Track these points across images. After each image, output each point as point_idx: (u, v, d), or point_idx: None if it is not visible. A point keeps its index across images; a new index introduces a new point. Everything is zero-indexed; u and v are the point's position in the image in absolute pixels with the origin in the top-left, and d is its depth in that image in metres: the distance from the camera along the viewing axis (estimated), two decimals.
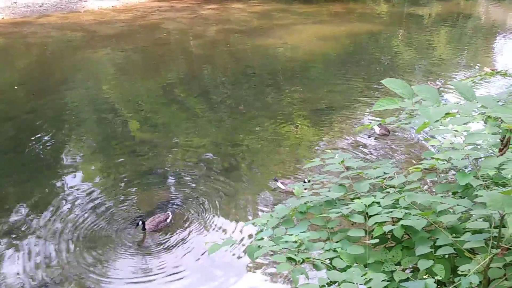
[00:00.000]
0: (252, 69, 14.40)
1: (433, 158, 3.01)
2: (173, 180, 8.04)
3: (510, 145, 1.90)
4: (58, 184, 7.89)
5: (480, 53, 16.79)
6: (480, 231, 2.51)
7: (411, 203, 2.70)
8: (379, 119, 8.16)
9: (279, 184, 7.45)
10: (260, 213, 6.86)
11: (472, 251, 2.58)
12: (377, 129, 9.20)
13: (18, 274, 5.87)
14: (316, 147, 9.17)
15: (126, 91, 12.62)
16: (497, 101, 3.47)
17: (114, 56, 15.77)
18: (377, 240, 2.67)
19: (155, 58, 15.73)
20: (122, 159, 8.78)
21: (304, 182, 4.19)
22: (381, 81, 1.99)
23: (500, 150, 1.87)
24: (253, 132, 9.81)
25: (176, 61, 15.86)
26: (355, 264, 2.68)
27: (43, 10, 21.31)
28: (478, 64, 14.76)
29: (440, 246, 2.54)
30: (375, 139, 9.24)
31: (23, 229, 6.69)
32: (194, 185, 7.86)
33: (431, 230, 2.71)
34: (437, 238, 2.58)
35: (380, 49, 17.33)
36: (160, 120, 10.63)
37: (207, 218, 6.95)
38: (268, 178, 8.00)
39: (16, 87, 12.65)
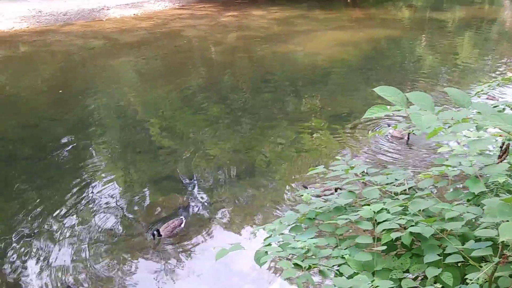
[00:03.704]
0: (272, 76, 14.42)
1: (443, 164, 2.97)
2: (190, 186, 8.10)
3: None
4: (78, 189, 8.01)
5: (505, 58, 16.46)
6: (491, 239, 2.47)
7: (420, 210, 2.67)
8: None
9: (309, 190, 7.35)
10: (275, 219, 6.85)
11: (483, 259, 2.53)
12: (394, 132, 9.22)
13: (37, 277, 5.98)
14: (335, 153, 9.11)
15: (147, 98, 12.78)
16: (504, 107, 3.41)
17: (135, 63, 15.99)
18: (385, 247, 2.64)
19: (176, 65, 15.89)
20: (141, 165, 8.88)
21: (336, 190, 4.12)
22: (374, 89, 1.98)
23: (500, 157, 1.83)
24: (272, 138, 9.82)
25: (196, 68, 15.99)
26: (363, 271, 2.66)
27: (67, 18, 21.76)
28: (502, 69, 14.48)
29: (449, 254, 2.51)
30: (389, 141, 9.23)
31: (42, 233, 6.82)
32: (211, 190, 7.91)
33: (441, 237, 2.67)
34: (446, 246, 2.54)
35: (401, 55, 17.16)
36: (179, 126, 10.72)
37: (222, 223, 6.99)
38: (285, 184, 7.99)
39: (60, 91, 12.99)
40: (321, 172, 3.46)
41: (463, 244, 2.52)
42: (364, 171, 3.39)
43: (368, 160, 8.57)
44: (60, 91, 13.04)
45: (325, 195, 3.54)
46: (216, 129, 10.39)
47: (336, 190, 4.20)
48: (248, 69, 15.41)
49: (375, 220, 2.80)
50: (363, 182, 3.35)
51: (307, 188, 7.39)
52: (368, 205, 2.96)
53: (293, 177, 8.23)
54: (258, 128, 10.43)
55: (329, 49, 17.05)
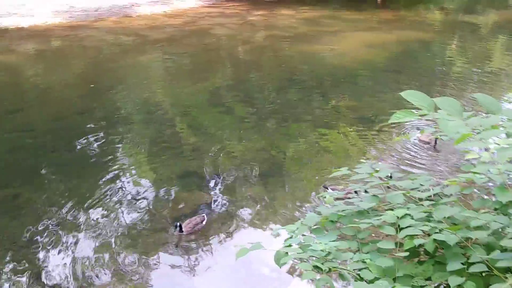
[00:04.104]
0: (298, 75, 14.38)
1: (471, 171, 2.90)
2: (214, 183, 8.14)
3: None
4: (104, 182, 8.15)
5: None
6: None
7: (445, 217, 2.62)
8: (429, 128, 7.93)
9: (329, 190, 7.32)
10: (296, 219, 6.82)
11: (508, 270, 2.47)
12: (422, 137, 9.09)
13: (60, 267, 6.10)
14: (360, 156, 9.02)
15: (174, 95, 12.90)
16: None
17: (163, 60, 16.18)
18: (407, 253, 2.60)
19: (203, 63, 16.00)
20: (166, 160, 8.97)
21: (355, 192, 4.08)
22: (400, 93, 1.95)
23: None
24: (296, 138, 9.79)
25: (224, 66, 16.07)
26: (384, 277, 2.62)
27: (98, 14, 22.16)
28: None
29: (473, 263, 2.45)
30: (416, 145, 9.10)
31: (68, 223, 6.96)
32: (233, 188, 7.93)
33: (466, 246, 2.62)
34: (470, 255, 2.49)
35: (431, 58, 16.89)
36: (205, 123, 10.79)
37: (244, 222, 7.01)
38: (308, 185, 7.96)
39: (92, 85, 13.28)
40: (344, 174, 3.42)
41: (488, 253, 2.47)
42: (388, 175, 3.34)
43: (393, 164, 8.47)
44: (92, 86, 13.30)
45: (348, 198, 3.51)
46: (241, 128, 10.42)
47: (356, 192, 4.14)
48: (275, 69, 15.40)
49: (398, 225, 2.76)
50: (387, 187, 3.31)
51: (328, 189, 7.34)
52: (392, 210, 2.92)
53: (316, 178, 8.18)
54: (283, 127, 10.42)
55: (357, 50, 16.90)
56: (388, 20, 22.90)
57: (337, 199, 3.41)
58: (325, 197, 3.31)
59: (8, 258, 6.26)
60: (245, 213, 7.25)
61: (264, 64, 16.05)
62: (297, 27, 21.15)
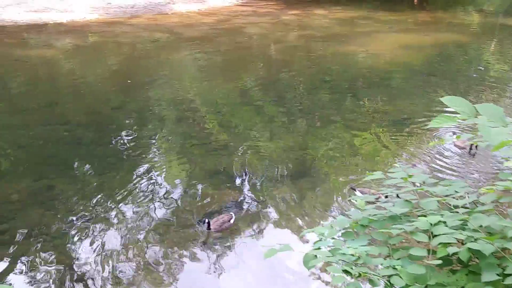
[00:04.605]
0: (330, 76, 14.26)
1: (508, 179, 2.81)
2: (242, 182, 8.15)
3: None
4: (135, 177, 8.27)
5: None
6: None
7: (480, 226, 2.54)
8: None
9: (357, 192, 7.26)
10: (325, 222, 6.77)
11: None
12: (457, 142, 8.86)
13: (89, 259, 6.22)
14: (392, 159, 8.88)
15: (206, 92, 12.98)
16: None
17: (196, 57, 16.29)
18: (440, 262, 2.54)
19: (236, 61, 16.05)
20: (196, 157, 9.04)
21: (386, 197, 4.01)
22: (441, 98, 1.90)
23: None
24: (327, 139, 9.71)
25: (256, 65, 16.08)
26: (415, 284, 2.57)
27: (134, 11, 22.50)
28: None
29: (510, 275, 2.37)
30: (451, 149, 8.88)
31: (98, 216, 7.09)
32: (262, 188, 7.92)
33: (502, 256, 2.54)
34: (506, 266, 2.41)
35: (468, 61, 16.49)
36: (235, 122, 10.82)
37: (271, 222, 7.00)
38: (338, 187, 7.89)
39: (129, 81, 13.54)
40: (376, 178, 3.37)
41: None
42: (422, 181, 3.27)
43: (426, 168, 8.29)
44: (129, 81, 13.53)
45: (379, 202, 3.45)
46: (271, 127, 10.40)
47: (386, 197, 4.07)
48: (307, 69, 15.32)
49: (431, 232, 2.70)
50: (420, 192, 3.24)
51: (355, 191, 7.26)
52: (425, 216, 2.86)
53: (346, 180, 8.09)
54: (314, 127, 10.36)
55: (391, 51, 16.64)
56: (425, 21, 22.47)
57: (368, 203, 3.36)
58: (355, 200, 3.26)
59: (40, 248, 6.42)
60: (273, 213, 7.24)
61: (296, 64, 15.98)
62: (330, 27, 20.99)
